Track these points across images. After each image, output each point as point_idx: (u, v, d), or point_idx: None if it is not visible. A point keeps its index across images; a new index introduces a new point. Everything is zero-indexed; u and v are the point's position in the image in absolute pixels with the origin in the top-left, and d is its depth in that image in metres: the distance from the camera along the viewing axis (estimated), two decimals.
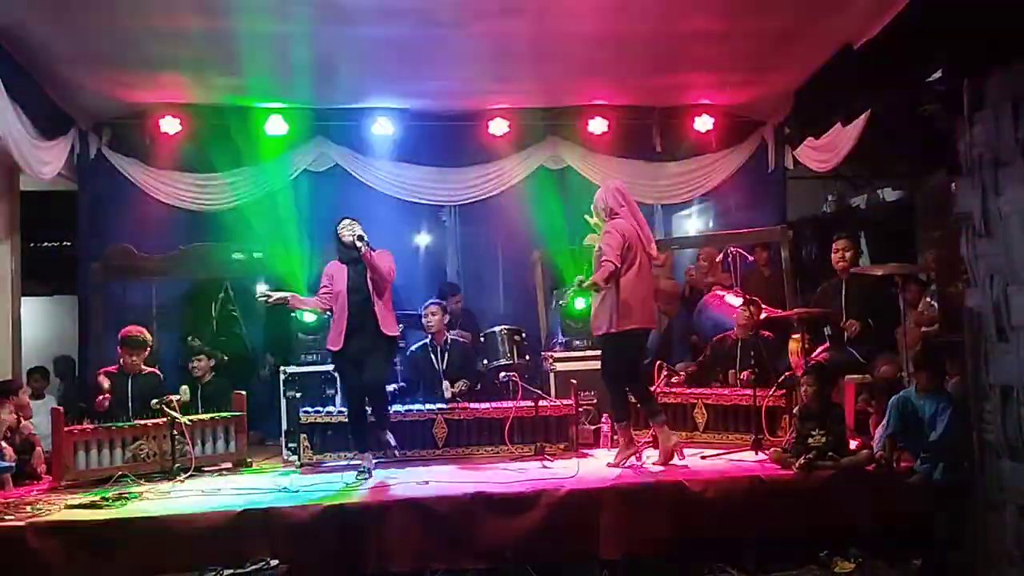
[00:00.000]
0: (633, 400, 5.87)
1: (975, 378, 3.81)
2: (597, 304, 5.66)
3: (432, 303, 7.04)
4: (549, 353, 7.22)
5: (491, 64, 6.88)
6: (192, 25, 5.93)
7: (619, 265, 5.52)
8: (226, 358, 7.48)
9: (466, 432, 6.30)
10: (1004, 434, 3.61)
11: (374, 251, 5.70)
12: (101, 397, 6.13)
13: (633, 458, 5.70)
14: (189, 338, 7.59)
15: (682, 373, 6.83)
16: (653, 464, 5.65)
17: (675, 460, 5.66)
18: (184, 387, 6.57)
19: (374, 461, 5.76)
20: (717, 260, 7.76)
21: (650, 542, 4.86)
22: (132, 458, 5.79)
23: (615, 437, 6.03)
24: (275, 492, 5.20)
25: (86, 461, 5.64)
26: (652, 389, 6.15)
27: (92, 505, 4.90)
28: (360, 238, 5.63)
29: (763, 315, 6.63)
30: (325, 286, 5.83)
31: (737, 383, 6.51)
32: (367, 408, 5.79)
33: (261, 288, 6.01)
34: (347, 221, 5.78)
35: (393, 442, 5.90)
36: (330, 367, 6.75)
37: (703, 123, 8.20)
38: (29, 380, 7.65)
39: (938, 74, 4.23)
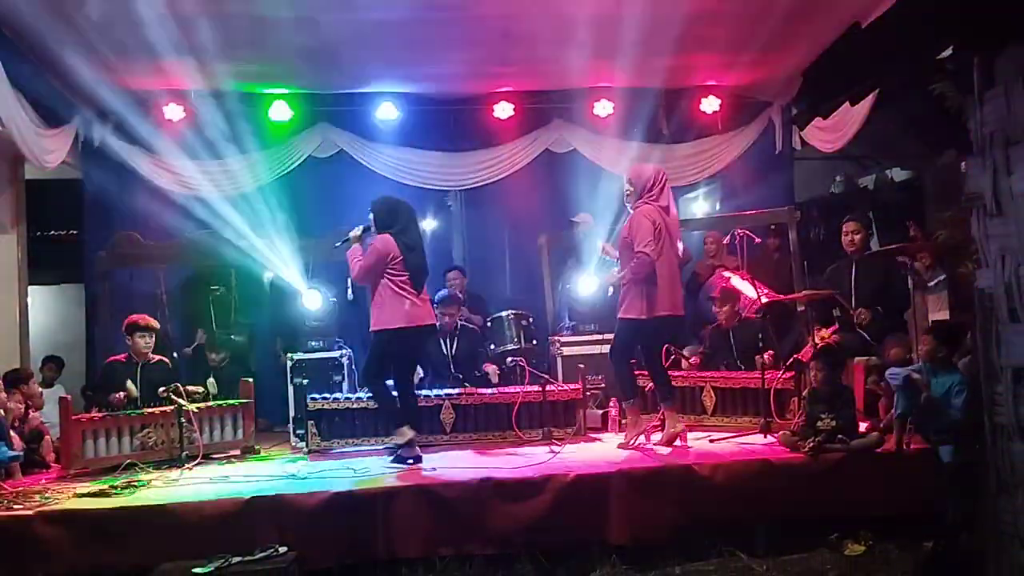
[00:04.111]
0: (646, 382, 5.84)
1: (986, 359, 3.77)
2: (625, 287, 5.60)
3: (449, 302, 6.94)
4: (556, 337, 7.21)
5: (495, 47, 6.84)
6: (195, 11, 5.90)
7: (654, 257, 5.44)
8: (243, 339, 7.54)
9: (473, 418, 6.29)
10: (1016, 416, 3.57)
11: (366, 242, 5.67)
12: (121, 395, 6.12)
13: (642, 438, 5.69)
14: (214, 328, 7.62)
15: (695, 358, 6.81)
16: (655, 444, 5.66)
17: (677, 443, 5.66)
18: (211, 380, 6.59)
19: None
20: (724, 242, 7.73)
21: (659, 527, 4.84)
22: (140, 446, 5.79)
23: (623, 421, 6.01)
24: (283, 479, 5.21)
25: (95, 449, 5.64)
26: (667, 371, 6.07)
27: (101, 493, 4.90)
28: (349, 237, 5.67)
29: (740, 308, 6.71)
30: None
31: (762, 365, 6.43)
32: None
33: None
34: None
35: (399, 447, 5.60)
36: (336, 354, 6.78)
37: (710, 104, 8.16)
38: (43, 368, 7.68)
39: (948, 52, 4.16)
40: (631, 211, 5.71)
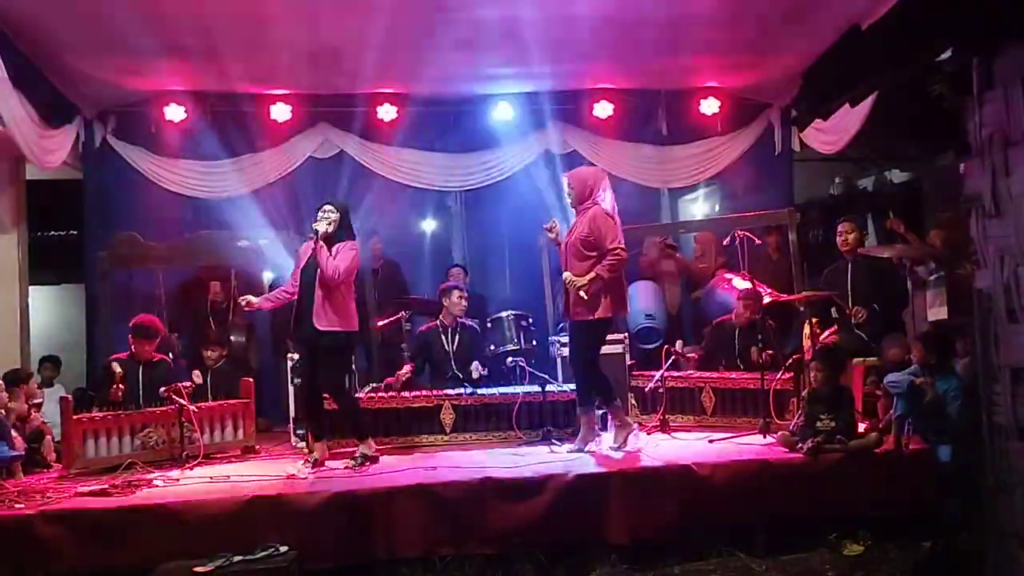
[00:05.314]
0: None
1: (985, 359, 3.78)
2: (593, 286, 5.53)
3: (462, 289, 7.02)
4: (556, 338, 7.21)
5: (495, 47, 6.83)
6: (195, 11, 5.91)
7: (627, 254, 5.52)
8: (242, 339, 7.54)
9: (473, 418, 6.29)
10: (1014, 416, 3.58)
11: (337, 243, 5.51)
12: (115, 387, 6.11)
13: (632, 437, 5.69)
14: (212, 328, 7.62)
15: (694, 355, 6.80)
16: (568, 451, 5.62)
17: (593, 447, 5.65)
18: (196, 371, 6.59)
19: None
20: (724, 243, 7.73)
21: (658, 526, 4.85)
22: (141, 446, 5.79)
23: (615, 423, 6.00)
24: (284, 479, 5.21)
25: (95, 449, 5.65)
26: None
27: (101, 492, 4.90)
28: (316, 231, 5.46)
29: (765, 301, 6.63)
30: (295, 267, 5.73)
31: (758, 362, 6.41)
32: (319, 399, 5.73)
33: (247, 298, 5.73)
34: (325, 207, 5.60)
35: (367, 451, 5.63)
36: None
37: (709, 106, 8.16)
38: (40, 368, 7.68)
39: (947, 53, 4.18)
40: (577, 211, 5.69)
